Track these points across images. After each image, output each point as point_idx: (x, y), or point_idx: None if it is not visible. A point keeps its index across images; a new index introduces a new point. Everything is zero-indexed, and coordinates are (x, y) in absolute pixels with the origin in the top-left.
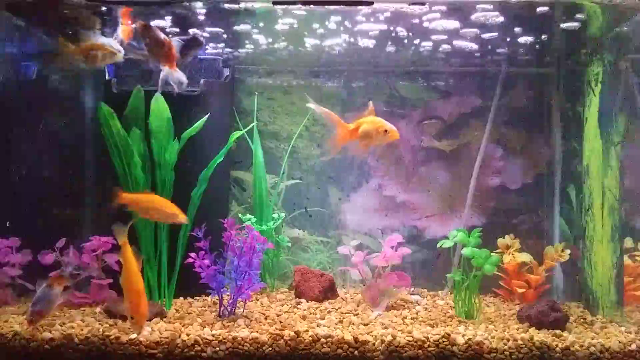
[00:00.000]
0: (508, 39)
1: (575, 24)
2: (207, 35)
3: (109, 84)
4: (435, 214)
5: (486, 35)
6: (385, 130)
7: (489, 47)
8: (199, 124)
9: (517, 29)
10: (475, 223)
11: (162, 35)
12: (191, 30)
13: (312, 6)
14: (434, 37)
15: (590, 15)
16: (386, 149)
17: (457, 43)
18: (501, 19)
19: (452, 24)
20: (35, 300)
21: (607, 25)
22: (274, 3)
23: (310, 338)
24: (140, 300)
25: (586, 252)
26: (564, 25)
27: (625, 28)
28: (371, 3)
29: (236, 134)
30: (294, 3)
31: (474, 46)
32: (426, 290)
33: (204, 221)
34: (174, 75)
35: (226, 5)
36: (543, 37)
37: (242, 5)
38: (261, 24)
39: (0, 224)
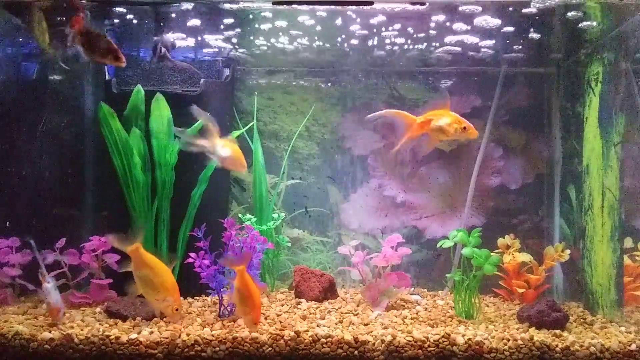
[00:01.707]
0: (508, 39)
1: (585, 23)
2: (207, 35)
3: (109, 84)
4: (435, 214)
5: (486, 35)
6: (464, 128)
7: (489, 47)
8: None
9: (517, 29)
10: (475, 223)
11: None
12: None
13: (312, 6)
14: (434, 36)
15: (591, 15)
16: (385, 149)
17: (458, 43)
18: (501, 19)
19: (452, 23)
20: None
21: (607, 25)
22: (274, 3)
23: (310, 338)
24: (178, 293)
25: (586, 251)
26: (576, 24)
27: (626, 28)
28: (371, 3)
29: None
30: (294, 3)
31: (474, 46)
32: (426, 290)
33: (204, 221)
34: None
35: (226, 5)
36: (543, 37)
37: (242, 5)
38: (261, 24)
39: (0, 224)
